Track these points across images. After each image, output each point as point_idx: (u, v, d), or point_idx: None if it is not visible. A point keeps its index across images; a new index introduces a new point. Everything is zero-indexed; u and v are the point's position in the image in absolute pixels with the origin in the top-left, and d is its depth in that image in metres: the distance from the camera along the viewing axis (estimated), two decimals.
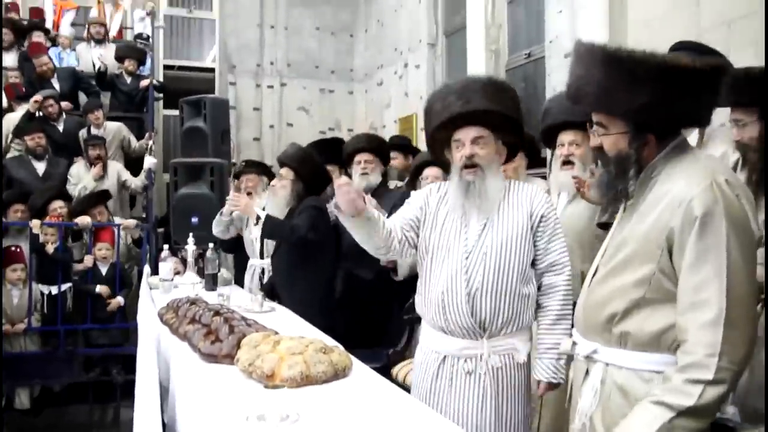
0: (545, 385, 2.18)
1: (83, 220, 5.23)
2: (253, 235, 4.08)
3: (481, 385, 2.16)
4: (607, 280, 1.64)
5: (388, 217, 2.40)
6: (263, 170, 4.50)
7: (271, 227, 3.45)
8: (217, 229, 4.13)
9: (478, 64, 5.73)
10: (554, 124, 2.79)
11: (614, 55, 1.54)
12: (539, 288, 2.21)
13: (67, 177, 5.90)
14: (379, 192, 3.78)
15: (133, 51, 6.97)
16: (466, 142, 2.19)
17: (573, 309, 2.08)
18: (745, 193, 1.52)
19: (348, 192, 2.04)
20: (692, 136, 2.46)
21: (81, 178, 5.86)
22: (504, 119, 2.19)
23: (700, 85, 1.53)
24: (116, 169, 6.09)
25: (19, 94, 6.26)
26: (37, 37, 6.80)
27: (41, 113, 6.03)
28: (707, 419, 1.45)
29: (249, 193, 4.19)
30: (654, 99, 1.51)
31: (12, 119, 5.98)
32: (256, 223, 3.43)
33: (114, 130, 6.36)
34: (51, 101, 6.08)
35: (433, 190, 2.36)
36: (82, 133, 6.15)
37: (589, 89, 1.59)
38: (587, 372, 1.71)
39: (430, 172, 3.47)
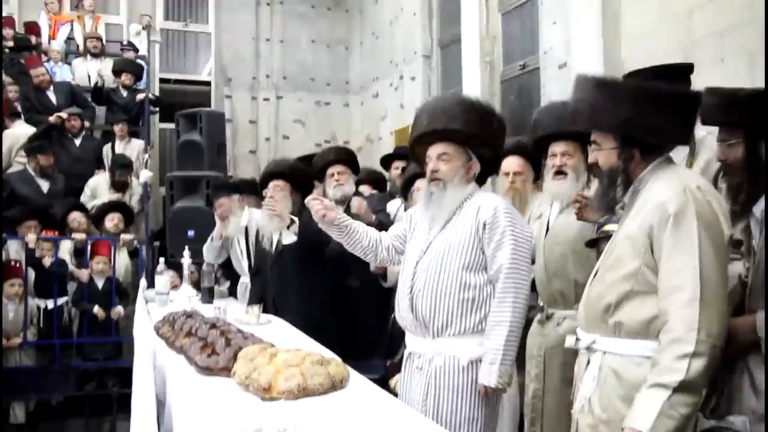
0: (480, 387, 2.26)
1: (79, 235, 5.22)
2: (240, 250, 4.19)
3: (425, 382, 2.32)
4: (603, 277, 1.88)
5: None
6: (230, 189, 4.45)
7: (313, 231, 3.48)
8: (209, 255, 4.23)
9: (473, 76, 5.75)
10: (546, 135, 2.81)
11: (602, 80, 1.90)
12: None
13: (84, 188, 5.89)
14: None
15: (130, 65, 7.02)
16: (432, 157, 2.40)
17: (521, 316, 2.26)
18: (716, 197, 1.78)
19: (318, 210, 2.44)
20: (683, 155, 2.47)
21: (99, 193, 5.84)
22: (468, 136, 2.36)
23: (673, 106, 1.81)
24: (135, 183, 6.10)
25: (12, 111, 6.22)
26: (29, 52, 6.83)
27: (58, 128, 6.06)
28: (698, 393, 1.65)
29: (224, 218, 4.24)
30: (633, 115, 1.80)
31: (14, 135, 5.95)
32: (288, 227, 3.46)
33: (139, 146, 6.40)
34: (76, 118, 6.20)
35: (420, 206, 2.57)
36: (107, 150, 6.16)
37: (583, 109, 1.90)
38: (588, 362, 1.91)
39: (421, 184, 3.47)
